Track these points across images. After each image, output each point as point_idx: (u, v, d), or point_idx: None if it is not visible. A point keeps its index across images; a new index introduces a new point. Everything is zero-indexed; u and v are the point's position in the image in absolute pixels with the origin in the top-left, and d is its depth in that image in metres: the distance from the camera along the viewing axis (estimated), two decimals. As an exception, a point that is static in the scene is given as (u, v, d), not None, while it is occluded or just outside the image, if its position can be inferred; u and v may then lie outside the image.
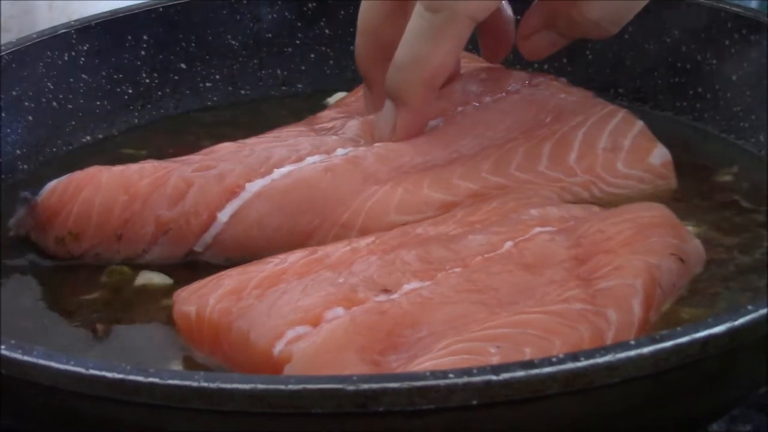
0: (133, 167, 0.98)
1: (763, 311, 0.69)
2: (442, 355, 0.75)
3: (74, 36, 1.17)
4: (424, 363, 0.74)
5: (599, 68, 1.22)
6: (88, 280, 0.95)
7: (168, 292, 0.90)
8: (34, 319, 0.90)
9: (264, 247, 0.94)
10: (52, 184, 0.97)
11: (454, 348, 0.76)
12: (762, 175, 1.06)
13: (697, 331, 0.67)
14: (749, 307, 0.69)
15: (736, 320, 0.68)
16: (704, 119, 1.15)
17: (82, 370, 0.67)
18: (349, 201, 0.96)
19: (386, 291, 0.82)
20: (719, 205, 1.02)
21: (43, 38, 1.15)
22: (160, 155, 1.05)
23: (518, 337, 0.76)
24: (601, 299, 0.81)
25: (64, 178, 0.97)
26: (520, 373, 0.64)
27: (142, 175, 0.97)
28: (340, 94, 1.22)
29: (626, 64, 1.21)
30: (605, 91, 1.18)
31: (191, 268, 0.95)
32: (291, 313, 0.80)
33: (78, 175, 0.97)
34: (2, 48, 1.12)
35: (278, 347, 0.78)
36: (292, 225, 0.96)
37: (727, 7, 1.14)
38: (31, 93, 1.13)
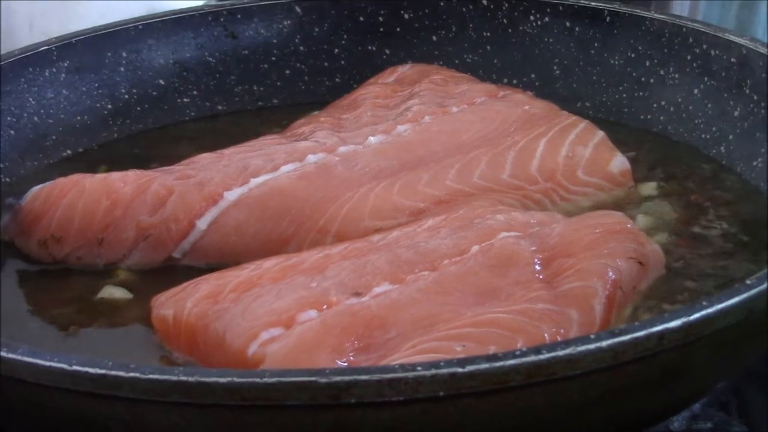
0: (116, 175, 1.01)
1: (717, 307, 0.72)
2: (409, 354, 0.78)
3: (55, 53, 1.20)
4: (393, 362, 0.77)
5: (566, 82, 1.26)
6: (71, 285, 0.97)
7: (145, 299, 0.92)
8: (17, 322, 0.92)
9: (242, 254, 0.97)
10: (36, 189, 1.00)
11: (421, 347, 0.78)
12: (723, 183, 1.10)
13: (654, 325, 0.70)
14: (704, 303, 0.72)
15: (690, 315, 0.71)
16: (668, 131, 1.19)
17: (65, 366, 0.69)
18: (324, 208, 0.99)
19: (357, 294, 0.85)
20: (681, 213, 1.05)
21: (25, 55, 1.18)
22: (140, 168, 1.07)
23: (483, 336, 0.79)
24: (563, 300, 0.84)
25: (48, 184, 1.00)
26: (484, 365, 0.67)
27: (125, 182, 0.99)
28: (315, 113, 1.25)
29: (592, 78, 1.25)
30: (572, 105, 1.22)
31: (171, 273, 0.98)
32: (265, 315, 0.82)
33: (62, 181, 1.00)
34: (-16, 65, 1.15)
35: (252, 348, 0.80)
36: (268, 232, 0.99)
37: (689, 23, 1.17)
38: (12, 108, 1.16)
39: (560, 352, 0.68)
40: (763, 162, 1.07)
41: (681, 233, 1.02)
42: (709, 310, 0.72)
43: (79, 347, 0.89)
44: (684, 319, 0.71)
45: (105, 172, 1.05)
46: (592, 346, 0.68)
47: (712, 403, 0.93)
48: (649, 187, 1.09)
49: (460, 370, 0.67)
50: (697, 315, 0.71)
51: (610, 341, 0.69)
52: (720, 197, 1.07)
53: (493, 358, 0.67)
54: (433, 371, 0.66)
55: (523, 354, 0.68)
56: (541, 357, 0.68)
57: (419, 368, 0.66)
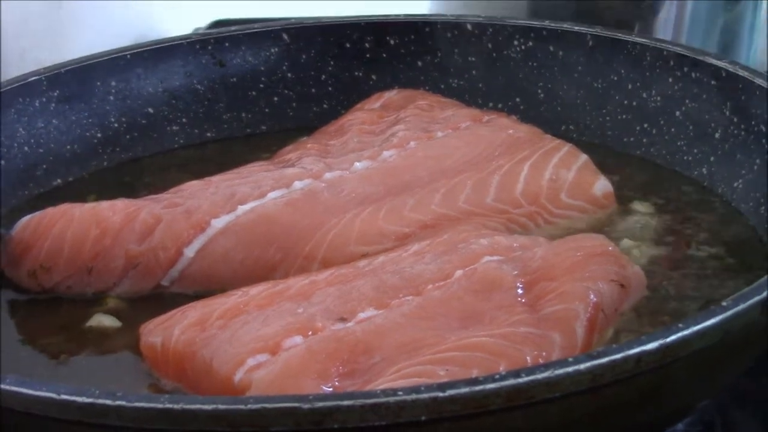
0: (105, 204, 1.02)
1: (693, 329, 0.73)
2: (394, 379, 0.79)
3: (45, 83, 1.21)
4: (378, 387, 0.78)
5: (550, 106, 1.28)
6: (61, 314, 0.98)
7: (134, 327, 0.93)
8: (8, 352, 0.93)
9: (230, 281, 0.98)
10: (25, 219, 1.01)
11: (405, 372, 0.80)
12: (705, 205, 1.11)
13: (631, 347, 0.71)
14: (680, 325, 0.74)
15: (667, 337, 0.72)
16: (650, 153, 1.20)
17: (54, 395, 0.70)
18: (310, 234, 1.00)
19: (343, 319, 0.86)
20: (663, 234, 1.06)
21: (15, 85, 1.19)
22: (130, 196, 1.09)
23: (466, 360, 0.80)
24: (545, 323, 0.85)
25: (37, 214, 1.01)
26: (464, 390, 0.68)
27: (114, 211, 1.01)
28: (303, 139, 1.26)
29: (576, 101, 1.26)
30: (556, 128, 1.24)
31: (160, 300, 0.99)
32: (251, 341, 0.84)
33: (51, 211, 1.01)
34: (-25, 95, 1.16)
35: (239, 375, 0.81)
36: (256, 259, 1.00)
37: (669, 46, 1.19)
38: (3, 138, 1.17)
39: (539, 376, 0.69)
40: (744, 183, 1.09)
41: (663, 254, 1.03)
42: (686, 332, 0.73)
43: (70, 375, 0.90)
44: (661, 342, 0.72)
45: (94, 201, 1.06)
46: (570, 369, 0.70)
47: (696, 422, 0.95)
48: (632, 209, 1.10)
49: (440, 394, 0.68)
50: (673, 337, 0.73)
51: (588, 364, 0.70)
52: (702, 218, 1.09)
53: (473, 382, 0.68)
54: (414, 396, 0.67)
55: (503, 378, 0.69)
56: (521, 380, 0.69)
57: (401, 393, 0.68)
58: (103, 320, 0.97)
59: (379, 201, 1.04)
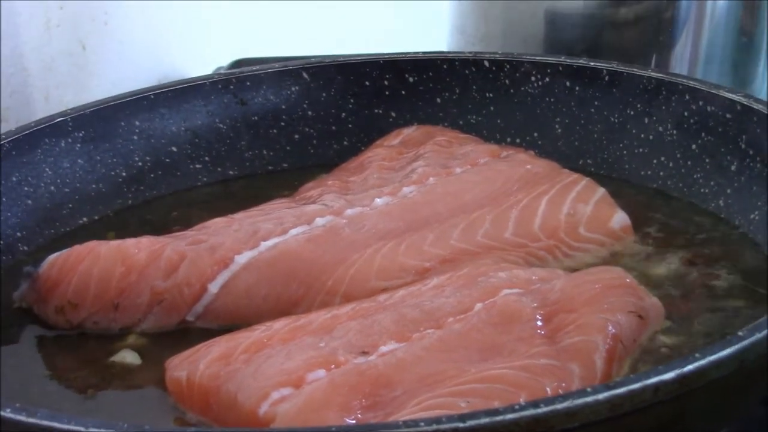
0: (130, 241, 1.04)
1: (709, 359, 0.75)
2: (415, 411, 0.80)
3: (70, 123, 1.23)
4: (399, 419, 0.79)
5: (567, 141, 1.29)
6: (88, 349, 1.00)
7: (159, 362, 0.95)
8: (37, 387, 0.95)
9: (253, 315, 1.00)
10: (53, 257, 1.03)
11: (426, 404, 0.81)
12: (722, 236, 1.12)
13: (649, 377, 0.73)
14: (696, 355, 0.75)
15: (684, 367, 0.74)
16: (667, 186, 1.21)
17: (82, 429, 0.72)
18: (331, 269, 1.02)
19: (364, 353, 0.87)
20: (681, 266, 1.07)
21: (41, 127, 1.21)
22: (155, 234, 1.10)
23: (486, 392, 0.82)
24: (564, 354, 0.86)
25: (64, 251, 1.03)
26: (485, 420, 0.69)
27: (139, 248, 1.02)
28: (324, 176, 1.28)
29: (593, 136, 1.28)
30: (574, 162, 1.25)
31: (184, 335, 1.01)
32: (275, 375, 0.85)
33: (78, 248, 1.03)
34: (2, 137, 1.18)
35: (263, 408, 0.83)
36: (278, 294, 1.01)
37: (684, 81, 1.20)
38: (30, 178, 1.19)
39: (558, 406, 0.70)
40: (761, 215, 1.10)
41: (681, 286, 1.04)
42: (702, 362, 0.74)
43: (97, 410, 0.91)
44: (678, 371, 0.73)
45: (113, 238, 1.07)
46: (589, 399, 0.71)
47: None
48: (649, 242, 1.11)
49: (461, 425, 0.69)
50: (690, 367, 0.74)
51: (606, 394, 0.71)
52: (719, 250, 1.09)
53: (494, 412, 0.70)
54: (435, 427, 0.69)
55: (522, 408, 0.70)
56: (540, 411, 0.70)
57: (422, 424, 0.69)
58: (127, 356, 0.98)
59: (399, 236, 1.05)
